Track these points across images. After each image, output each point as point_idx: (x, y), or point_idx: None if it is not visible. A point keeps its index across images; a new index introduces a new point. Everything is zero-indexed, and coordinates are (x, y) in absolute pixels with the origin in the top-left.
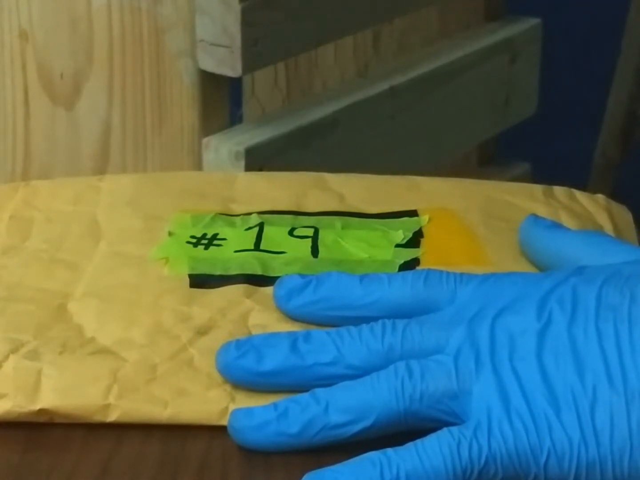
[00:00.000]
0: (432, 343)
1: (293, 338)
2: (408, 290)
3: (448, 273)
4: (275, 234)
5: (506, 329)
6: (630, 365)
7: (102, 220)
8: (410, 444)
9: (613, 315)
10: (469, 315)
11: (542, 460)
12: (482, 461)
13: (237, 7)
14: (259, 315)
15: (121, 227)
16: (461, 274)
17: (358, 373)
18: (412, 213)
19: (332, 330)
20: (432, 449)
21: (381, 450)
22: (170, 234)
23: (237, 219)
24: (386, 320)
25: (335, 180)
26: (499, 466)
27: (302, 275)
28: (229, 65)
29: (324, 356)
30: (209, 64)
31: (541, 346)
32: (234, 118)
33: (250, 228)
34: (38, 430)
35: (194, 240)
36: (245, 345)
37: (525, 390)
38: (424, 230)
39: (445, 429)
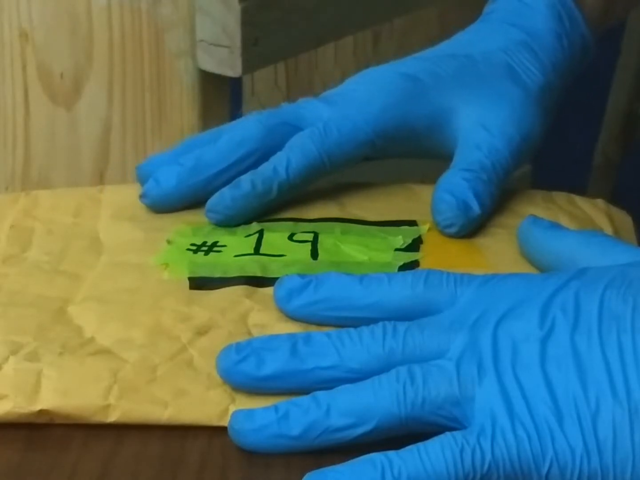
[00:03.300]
0: (433, 347)
1: (293, 341)
2: (408, 291)
3: (448, 274)
4: (275, 239)
5: (509, 336)
6: (634, 378)
7: (103, 234)
8: (412, 447)
9: (616, 325)
10: (470, 320)
11: (544, 469)
12: (485, 468)
13: (237, 7)
14: (258, 314)
15: (122, 239)
16: (462, 275)
17: (358, 376)
18: (412, 223)
19: (333, 332)
20: (435, 453)
21: (383, 452)
22: (168, 242)
23: (238, 228)
24: (387, 323)
25: (335, 188)
26: (501, 474)
27: (301, 276)
28: (229, 65)
29: (324, 360)
30: (209, 64)
31: (544, 354)
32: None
33: (250, 235)
34: (38, 430)
35: (194, 248)
36: (245, 349)
37: (528, 399)
38: (424, 238)
39: (448, 434)
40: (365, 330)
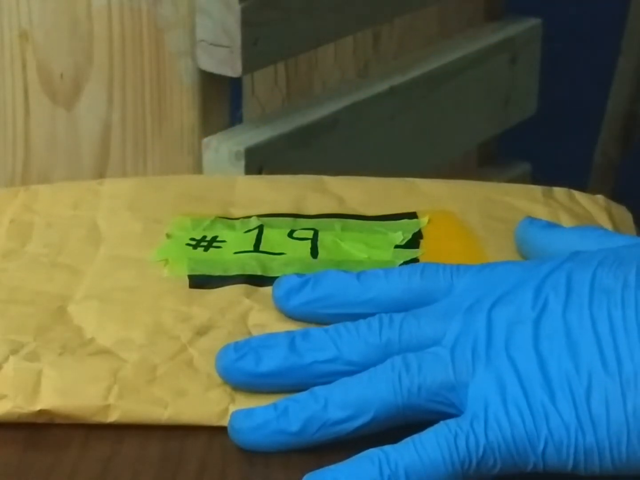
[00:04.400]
0: (429, 335)
1: (291, 337)
2: (405, 284)
3: (445, 265)
4: (274, 236)
5: (503, 318)
6: (624, 351)
7: (102, 224)
8: (408, 439)
9: (607, 300)
10: (465, 306)
11: (540, 448)
12: (480, 452)
13: (237, 7)
14: (258, 314)
15: (121, 231)
16: (457, 266)
17: (357, 369)
18: (412, 215)
19: (330, 327)
20: (430, 442)
21: (379, 448)
22: (168, 236)
23: (237, 222)
24: (383, 315)
25: (335, 183)
26: (497, 456)
27: (299, 275)
28: (229, 65)
29: (322, 354)
30: (209, 64)
31: (537, 334)
32: (234, 118)
33: (249, 230)
34: (38, 430)
35: (193, 243)
36: (243, 347)
37: (522, 380)
38: (424, 232)
39: (442, 422)
40: (362, 322)
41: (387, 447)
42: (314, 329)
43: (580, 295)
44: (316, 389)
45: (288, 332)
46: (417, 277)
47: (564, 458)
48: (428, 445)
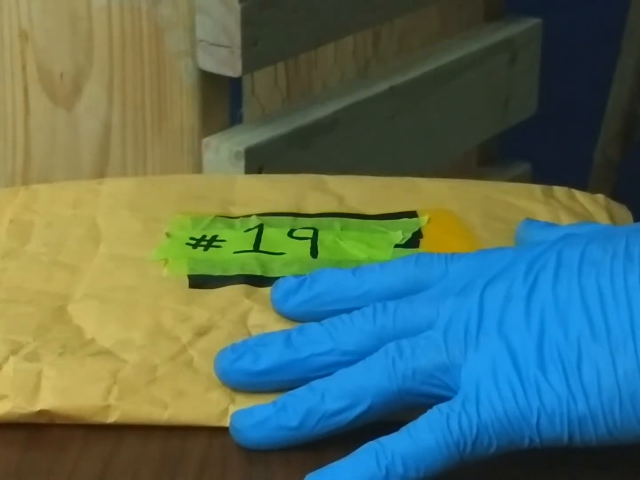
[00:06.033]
0: (423, 319)
1: (287, 334)
2: (400, 275)
3: (439, 254)
4: (274, 235)
5: (494, 297)
6: (613, 316)
7: (101, 223)
8: (403, 428)
9: (595, 271)
10: (458, 288)
11: (534, 421)
12: (474, 432)
13: (237, 7)
14: (258, 315)
15: (121, 230)
16: (452, 254)
17: (354, 358)
18: (411, 214)
19: (325, 320)
20: (423, 428)
21: (376, 440)
22: (167, 235)
23: (237, 221)
24: (377, 303)
25: (335, 182)
26: (492, 434)
27: (296, 276)
28: (229, 65)
29: (318, 347)
30: (209, 64)
31: (528, 309)
32: (234, 118)
33: (249, 230)
34: (38, 430)
35: (193, 242)
36: (241, 348)
37: (513, 355)
38: (423, 231)
39: (434, 407)
40: (356, 313)
41: (383, 438)
42: (309, 324)
43: (570, 268)
44: (314, 382)
45: (284, 330)
46: (412, 266)
47: (559, 429)
48: (422, 431)
